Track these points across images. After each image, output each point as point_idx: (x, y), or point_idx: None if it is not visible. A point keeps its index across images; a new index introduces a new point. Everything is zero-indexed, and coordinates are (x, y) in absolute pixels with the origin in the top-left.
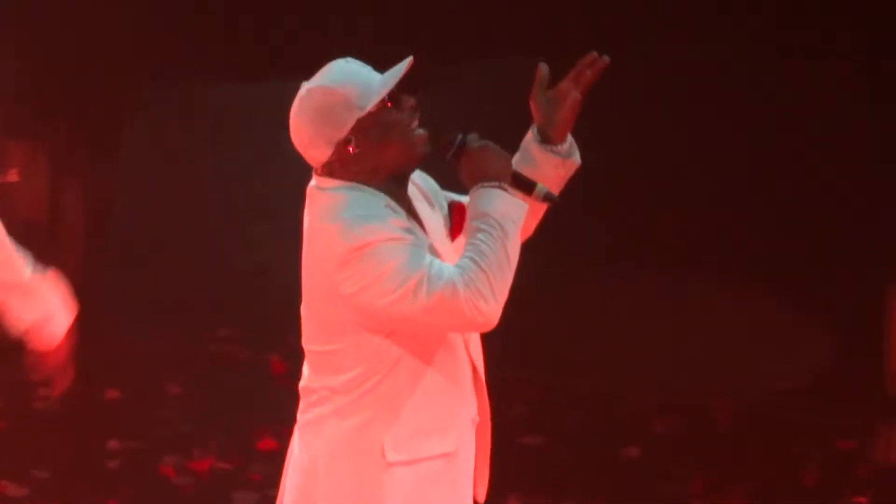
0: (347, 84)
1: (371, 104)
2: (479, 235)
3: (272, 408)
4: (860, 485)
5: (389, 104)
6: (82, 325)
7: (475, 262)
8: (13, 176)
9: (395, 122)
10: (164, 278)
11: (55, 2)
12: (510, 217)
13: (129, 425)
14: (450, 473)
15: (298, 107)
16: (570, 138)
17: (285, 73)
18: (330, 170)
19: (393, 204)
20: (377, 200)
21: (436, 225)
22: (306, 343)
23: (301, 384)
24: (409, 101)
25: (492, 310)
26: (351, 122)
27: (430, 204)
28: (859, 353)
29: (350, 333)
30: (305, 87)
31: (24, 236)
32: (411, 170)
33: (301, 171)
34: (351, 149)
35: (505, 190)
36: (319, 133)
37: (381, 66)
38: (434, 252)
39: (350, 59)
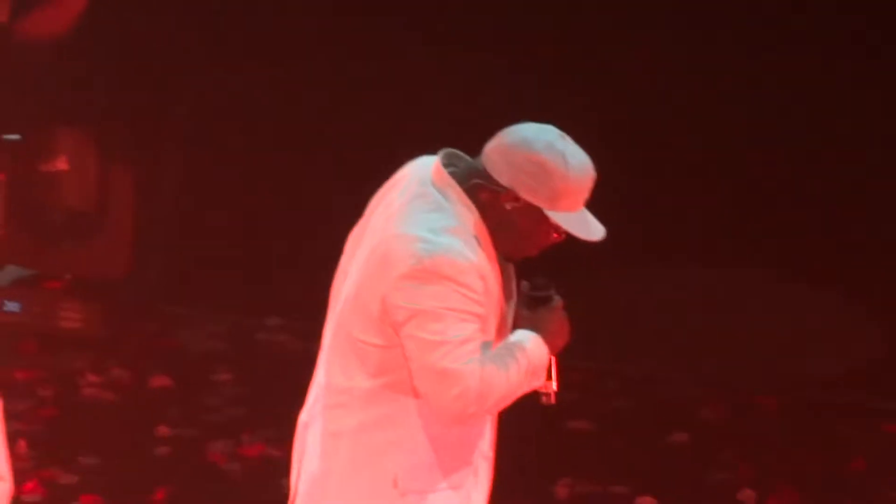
0: (571, 187)
1: (556, 222)
2: (515, 363)
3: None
4: None
5: (556, 234)
6: (131, 313)
7: (500, 374)
8: (62, 164)
9: (541, 235)
10: (212, 266)
11: None
12: (535, 378)
13: (179, 412)
14: None
15: (545, 143)
16: None
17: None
18: (474, 183)
19: (485, 262)
20: (475, 243)
21: (509, 313)
22: (348, 327)
23: (325, 379)
24: (560, 238)
25: (471, 415)
26: (537, 202)
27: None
28: None
29: (384, 335)
30: (564, 143)
31: (72, 224)
32: (498, 255)
33: (353, 162)
34: (509, 206)
35: (548, 359)
36: (520, 172)
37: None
38: (494, 332)
39: (592, 170)
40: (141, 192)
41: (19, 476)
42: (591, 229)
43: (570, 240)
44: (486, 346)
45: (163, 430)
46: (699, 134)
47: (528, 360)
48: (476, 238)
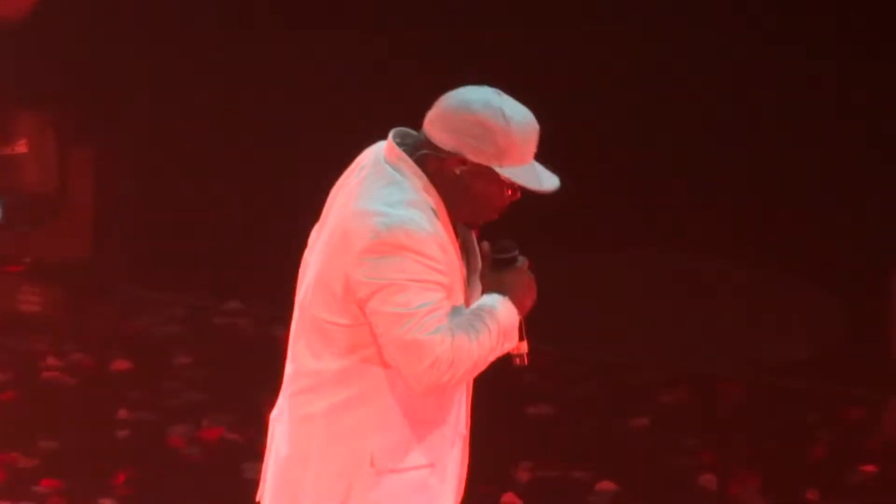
0: (517, 137)
1: (506, 175)
2: (481, 326)
3: (281, 379)
4: (869, 454)
5: (510, 191)
6: (91, 296)
7: (470, 339)
8: (21, 147)
9: (495, 196)
10: (171, 250)
11: None
12: (508, 341)
13: (139, 396)
14: (435, 484)
15: (479, 103)
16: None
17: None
18: (422, 155)
19: (441, 231)
20: (432, 212)
21: (476, 278)
22: (311, 307)
23: (293, 365)
24: (517, 196)
25: (443, 383)
26: (484, 162)
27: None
28: (865, 323)
29: (349, 314)
30: (500, 99)
31: (31, 208)
32: (459, 223)
33: (315, 141)
34: (458, 170)
35: (518, 320)
36: (463, 135)
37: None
38: (461, 299)
39: (535, 122)
40: (100, 176)
41: None
42: (543, 181)
43: (533, 214)
44: (454, 313)
45: (123, 414)
46: (660, 123)
47: (499, 323)
48: (433, 209)
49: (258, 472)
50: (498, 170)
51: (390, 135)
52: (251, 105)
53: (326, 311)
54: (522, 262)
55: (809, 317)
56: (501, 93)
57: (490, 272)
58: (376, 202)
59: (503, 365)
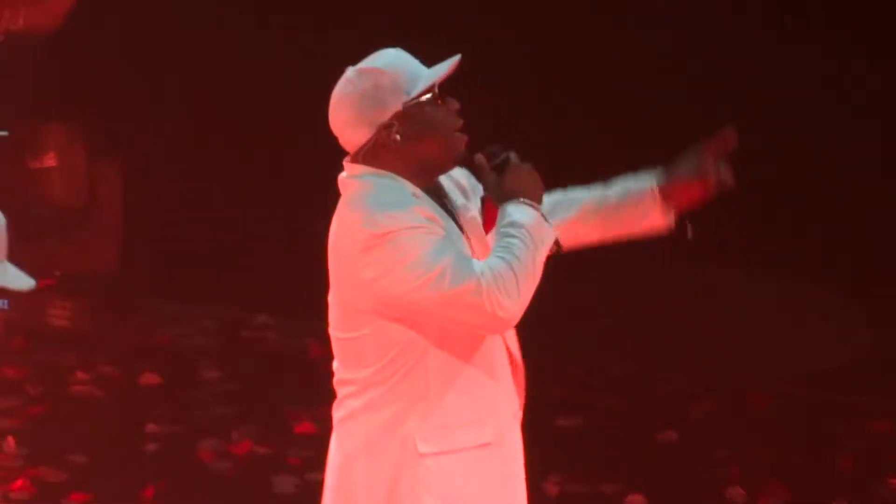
0: (397, 69)
1: (418, 91)
2: (511, 240)
3: (309, 392)
4: None
5: (439, 101)
6: (120, 310)
7: (505, 260)
8: (50, 161)
9: (441, 119)
10: (200, 264)
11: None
12: (542, 237)
13: (167, 409)
14: (493, 465)
15: (344, 86)
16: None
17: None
18: (364, 156)
19: (420, 193)
20: (404, 188)
21: (472, 217)
22: (332, 329)
23: (335, 378)
24: (455, 104)
25: (514, 308)
26: (397, 107)
27: (466, 197)
28: (893, 333)
29: (371, 322)
30: (353, 69)
31: (60, 222)
32: (445, 170)
33: (339, 157)
34: (391, 136)
35: (541, 213)
36: (363, 114)
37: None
38: (467, 243)
39: (400, 49)
40: (129, 189)
41: (8, 474)
42: (446, 64)
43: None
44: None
45: (152, 428)
46: (684, 127)
47: (524, 227)
48: (402, 187)
49: (287, 484)
50: (410, 98)
51: (344, 161)
52: (284, 119)
53: (343, 329)
54: (514, 157)
55: (837, 327)
56: (349, 68)
57: (491, 183)
58: (355, 209)
59: (532, 376)
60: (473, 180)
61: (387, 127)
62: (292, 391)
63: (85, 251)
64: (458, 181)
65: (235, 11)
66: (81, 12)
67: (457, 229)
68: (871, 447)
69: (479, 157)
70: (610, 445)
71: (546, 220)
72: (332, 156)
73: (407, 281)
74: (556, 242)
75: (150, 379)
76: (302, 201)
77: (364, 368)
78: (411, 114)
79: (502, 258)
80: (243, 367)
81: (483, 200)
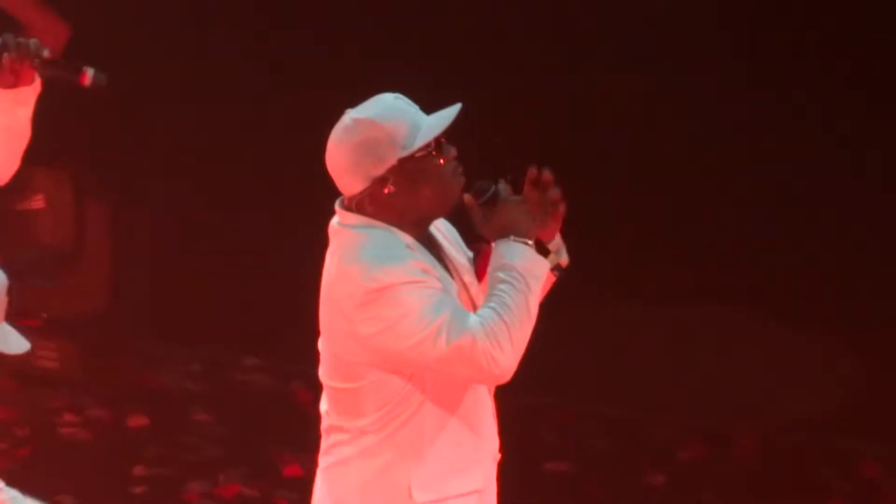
0: (395, 122)
1: (416, 146)
2: (503, 286)
3: (298, 435)
4: None
5: (434, 152)
6: (108, 351)
7: (497, 312)
8: (38, 202)
9: (437, 170)
10: (188, 305)
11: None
12: (534, 273)
13: (155, 452)
14: None
15: (342, 134)
16: (557, 237)
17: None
18: (358, 204)
19: (414, 244)
20: (399, 240)
21: (463, 267)
22: (325, 378)
23: (323, 424)
24: (452, 151)
25: (509, 362)
26: (392, 161)
27: (454, 246)
28: (884, 379)
29: (369, 374)
30: (351, 115)
31: (48, 263)
32: (439, 217)
33: (330, 198)
34: (387, 189)
35: (531, 247)
36: (359, 165)
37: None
38: (461, 294)
39: (399, 96)
40: (117, 231)
41: None
42: (444, 117)
43: None
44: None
45: (139, 470)
46: (677, 167)
47: (515, 269)
48: (397, 239)
49: None
50: (407, 154)
51: (336, 204)
52: (271, 160)
53: (338, 379)
54: (504, 190)
55: (826, 372)
56: (348, 112)
57: (483, 220)
58: (351, 261)
59: (521, 419)
60: (454, 230)
61: (382, 180)
62: (280, 433)
63: (73, 293)
64: (443, 232)
65: (224, 50)
66: (70, 51)
67: (449, 278)
68: (860, 491)
69: (468, 198)
70: (599, 489)
71: (538, 249)
72: (324, 198)
73: (405, 338)
74: (558, 266)
75: (138, 421)
76: (291, 244)
77: (360, 418)
78: (407, 168)
79: (494, 310)
80: (231, 410)
81: (474, 249)
